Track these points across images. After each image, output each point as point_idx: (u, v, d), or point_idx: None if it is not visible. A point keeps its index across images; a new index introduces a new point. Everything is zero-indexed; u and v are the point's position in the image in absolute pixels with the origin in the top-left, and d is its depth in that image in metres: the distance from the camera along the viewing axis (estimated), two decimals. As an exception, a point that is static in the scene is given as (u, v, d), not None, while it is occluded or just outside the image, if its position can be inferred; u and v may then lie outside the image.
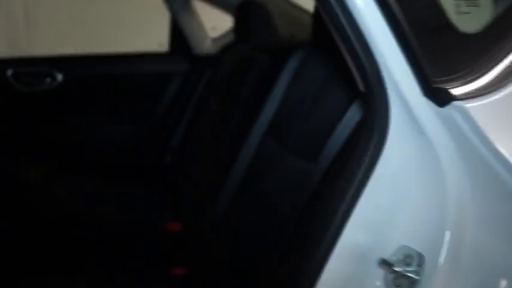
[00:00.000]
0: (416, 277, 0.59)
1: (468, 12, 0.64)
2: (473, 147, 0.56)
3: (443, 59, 0.61)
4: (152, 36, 2.05)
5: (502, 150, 0.55)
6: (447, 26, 0.62)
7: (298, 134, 0.89)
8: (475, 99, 0.58)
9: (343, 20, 0.55)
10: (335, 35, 0.57)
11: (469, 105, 0.57)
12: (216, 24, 1.89)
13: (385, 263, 0.59)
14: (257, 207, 0.94)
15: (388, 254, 0.59)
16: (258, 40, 1.38)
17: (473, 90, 0.59)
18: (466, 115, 0.56)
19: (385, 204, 0.60)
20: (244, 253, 0.95)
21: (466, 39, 0.64)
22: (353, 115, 0.69)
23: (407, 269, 0.59)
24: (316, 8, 0.90)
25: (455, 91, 0.58)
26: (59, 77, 1.70)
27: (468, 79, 0.60)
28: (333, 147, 0.70)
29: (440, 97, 0.57)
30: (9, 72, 1.65)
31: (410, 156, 0.60)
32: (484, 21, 0.64)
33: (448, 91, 0.57)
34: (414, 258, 0.59)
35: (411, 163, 0.60)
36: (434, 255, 0.60)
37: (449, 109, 0.56)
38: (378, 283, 0.61)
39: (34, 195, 1.44)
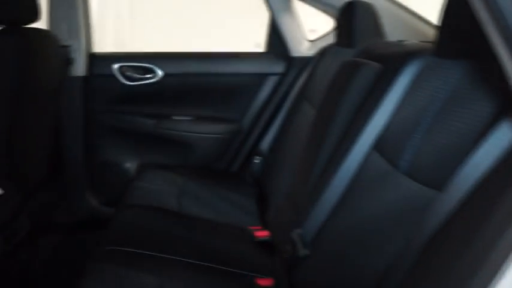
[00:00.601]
0: None
1: None
2: None
3: None
4: (249, 36, 2.04)
5: None
6: None
7: (413, 152, 0.79)
8: None
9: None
10: (495, 39, 0.46)
11: None
12: (315, 25, 1.84)
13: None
14: (359, 228, 0.86)
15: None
16: (363, 44, 1.29)
17: None
18: None
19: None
20: (340, 276, 0.87)
21: None
22: (504, 134, 0.56)
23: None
24: (447, 11, 0.79)
25: None
26: (159, 72, 1.76)
27: None
28: (471, 174, 0.59)
29: None
30: (115, 66, 1.74)
31: None
32: None
33: None
34: None
35: None
36: None
37: None
38: None
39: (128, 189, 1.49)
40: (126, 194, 1.48)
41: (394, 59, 1.01)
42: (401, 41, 1.35)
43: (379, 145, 0.91)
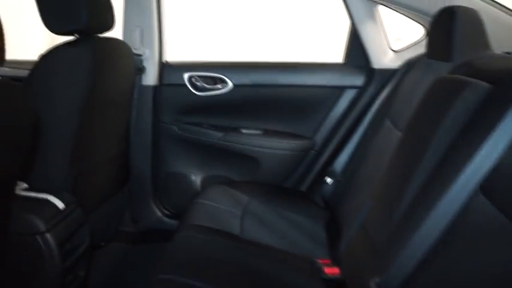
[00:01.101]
0: None
1: None
2: None
3: None
4: (326, 45, 1.90)
5: None
6: None
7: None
8: None
9: None
10: None
11: None
12: (401, 34, 1.65)
13: None
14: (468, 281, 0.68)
15: None
16: (463, 57, 1.09)
17: None
18: None
19: None
20: None
21: None
22: None
23: None
24: None
25: None
26: (230, 83, 1.68)
27: None
28: None
29: None
30: (186, 75, 1.69)
31: None
32: None
33: None
34: None
35: None
36: None
37: None
38: None
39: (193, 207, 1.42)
40: (189, 211, 1.42)
41: (508, 78, 0.81)
42: (510, 53, 1.13)
43: (487, 187, 0.73)
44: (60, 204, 1.10)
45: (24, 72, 1.63)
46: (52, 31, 1.19)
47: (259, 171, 1.73)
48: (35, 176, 1.14)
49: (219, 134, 1.73)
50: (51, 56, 1.15)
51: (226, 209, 1.43)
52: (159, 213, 1.81)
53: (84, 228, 1.19)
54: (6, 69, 1.78)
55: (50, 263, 1.05)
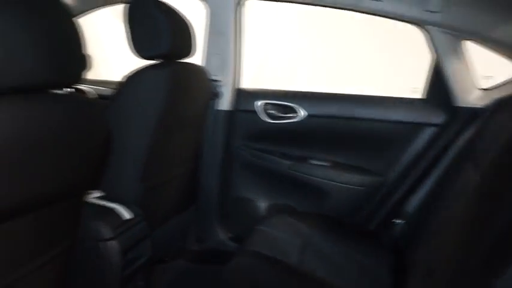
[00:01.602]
0: None
1: None
2: None
3: None
4: (406, 80, 1.82)
5: None
6: None
7: None
8: None
9: None
10: None
11: None
12: (493, 72, 1.53)
13: None
14: None
15: None
16: None
17: None
18: None
19: None
20: None
21: None
22: None
23: None
24: None
25: None
26: (302, 113, 1.68)
27: None
28: None
29: None
30: (259, 103, 1.72)
31: None
32: None
33: None
34: None
35: None
36: None
37: None
38: None
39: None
40: (250, 236, 1.41)
41: None
42: None
43: None
44: (127, 215, 1.16)
45: (109, 91, 1.78)
46: (139, 56, 1.29)
47: (326, 203, 1.68)
48: (108, 186, 1.22)
49: (288, 163, 1.72)
50: (133, 77, 1.24)
51: (287, 238, 1.40)
52: (222, 235, 1.83)
53: (148, 240, 1.23)
54: (94, 87, 1.97)
55: (112, 270, 1.09)
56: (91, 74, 2.01)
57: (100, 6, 1.87)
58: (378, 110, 1.63)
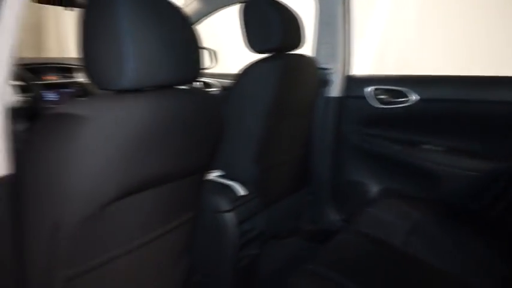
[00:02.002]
0: None
1: None
2: None
3: None
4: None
5: None
6: None
7: None
8: None
9: None
10: None
11: None
12: None
13: None
14: None
15: None
16: None
17: None
18: None
19: None
20: None
21: None
22: None
23: None
24: None
25: None
26: (413, 97, 1.65)
27: None
28: None
29: None
30: (369, 88, 1.75)
31: None
32: None
33: None
34: None
35: None
36: None
37: None
38: None
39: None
40: (356, 217, 1.47)
41: None
42: None
43: None
44: (242, 192, 1.34)
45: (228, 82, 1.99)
46: (253, 50, 1.45)
47: (438, 189, 1.63)
48: (227, 166, 1.41)
49: (399, 147, 1.72)
50: (248, 70, 1.40)
51: (394, 221, 1.42)
52: (334, 217, 1.91)
53: (261, 215, 1.39)
54: (219, 80, 2.20)
55: (228, 238, 1.28)
56: (218, 68, 2.26)
57: (222, 7, 2.09)
58: (498, 91, 1.52)
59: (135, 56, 0.78)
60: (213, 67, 2.50)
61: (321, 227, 1.93)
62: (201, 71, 0.96)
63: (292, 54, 1.52)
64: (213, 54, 2.53)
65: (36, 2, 1.59)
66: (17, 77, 1.52)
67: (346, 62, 1.80)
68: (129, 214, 0.91)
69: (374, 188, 1.83)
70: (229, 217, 1.28)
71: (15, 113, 0.88)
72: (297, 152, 1.73)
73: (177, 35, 0.88)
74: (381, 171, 1.80)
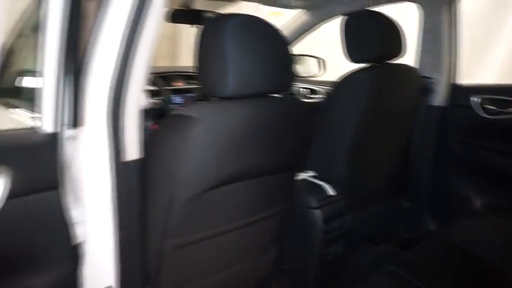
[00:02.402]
0: None
1: None
2: None
3: None
4: None
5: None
6: None
7: None
8: None
9: None
10: None
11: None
12: None
13: None
14: None
15: None
16: None
17: None
18: None
19: None
20: None
21: None
22: None
23: None
24: None
25: None
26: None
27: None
28: None
29: None
30: (475, 98, 1.69)
31: None
32: None
33: None
34: None
35: None
36: None
37: None
38: None
39: None
40: (450, 229, 1.46)
41: None
42: None
43: None
44: (331, 192, 1.44)
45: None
46: (351, 60, 1.54)
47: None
48: (320, 168, 1.52)
49: (506, 161, 1.63)
50: (344, 78, 1.50)
51: (489, 236, 1.38)
52: (432, 226, 1.88)
53: (348, 216, 1.48)
54: (324, 87, 2.30)
55: (315, 233, 1.40)
56: (326, 76, 2.38)
57: (327, 20, 2.19)
58: None
59: (236, 71, 0.96)
60: (321, 75, 2.62)
61: (416, 236, 1.91)
62: (294, 80, 1.11)
63: (390, 63, 1.56)
64: (322, 62, 2.65)
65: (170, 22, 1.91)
66: (151, 83, 1.84)
67: (452, 70, 1.76)
68: (223, 201, 1.10)
69: (476, 201, 1.76)
70: (317, 213, 1.40)
71: (147, 113, 1.12)
72: (392, 160, 1.75)
73: (272, 52, 1.04)
74: (484, 184, 1.73)
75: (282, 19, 2.40)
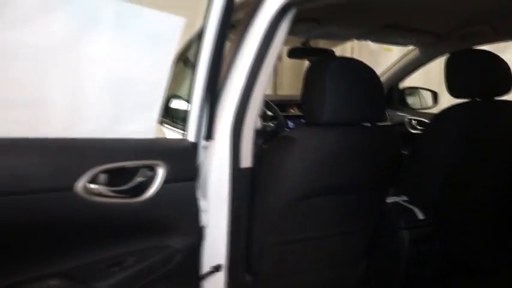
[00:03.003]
0: None
1: None
2: None
3: None
4: None
5: None
6: None
7: None
8: None
9: None
10: None
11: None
12: None
13: None
14: None
15: None
16: None
17: None
18: None
19: None
20: None
21: None
22: None
23: None
24: None
25: None
26: None
27: None
28: None
29: None
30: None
31: None
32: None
33: None
34: None
35: None
36: None
37: None
38: None
39: None
40: None
41: None
42: None
43: None
44: (420, 216, 1.55)
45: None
46: (451, 95, 1.64)
47: None
48: (412, 192, 1.64)
49: None
50: (441, 113, 1.61)
51: None
52: None
53: (436, 241, 1.56)
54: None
55: (402, 253, 1.52)
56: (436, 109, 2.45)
57: (437, 57, 2.28)
58: None
59: (331, 103, 1.20)
60: (433, 107, 2.69)
61: None
62: (384, 112, 1.30)
63: (495, 100, 1.61)
64: (434, 95, 2.72)
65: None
66: (270, 108, 2.16)
67: None
68: (314, 211, 1.33)
69: None
70: (406, 234, 1.52)
71: (259, 133, 1.42)
72: (498, 194, 1.74)
73: (363, 89, 1.25)
74: None
75: (392, 54, 2.55)
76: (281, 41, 1.21)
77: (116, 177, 0.92)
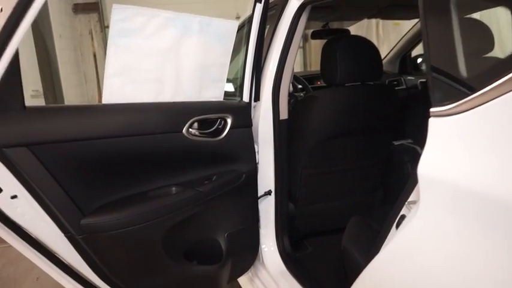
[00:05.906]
0: None
1: None
2: None
3: None
4: None
5: None
6: None
7: None
8: None
9: None
10: None
11: None
12: None
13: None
14: None
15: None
16: None
17: None
18: None
19: None
20: None
21: None
22: None
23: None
24: None
25: None
26: None
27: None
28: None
29: None
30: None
31: None
32: None
33: None
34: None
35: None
36: None
37: None
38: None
39: None
40: None
41: None
42: None
43: None
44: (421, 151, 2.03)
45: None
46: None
47: None
48: (415, 137, 2.12)
49: None
50: None
51: None
52: None
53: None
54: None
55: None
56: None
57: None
58: None
59: (341, 69, 1.69)
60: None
61: None
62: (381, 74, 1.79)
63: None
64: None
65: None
66: (300, 82, 2.68)
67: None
68: (337, 149, 1.84)
69: None
70: (408, 166, 2.01)
71: (291, 95, 1.95)
72: None
73: (366, 57, 1.74)
74: None
75: (401, 28, 2.95)
76: (302, 28, 1.71)
77: (203, 125, 1.47)
